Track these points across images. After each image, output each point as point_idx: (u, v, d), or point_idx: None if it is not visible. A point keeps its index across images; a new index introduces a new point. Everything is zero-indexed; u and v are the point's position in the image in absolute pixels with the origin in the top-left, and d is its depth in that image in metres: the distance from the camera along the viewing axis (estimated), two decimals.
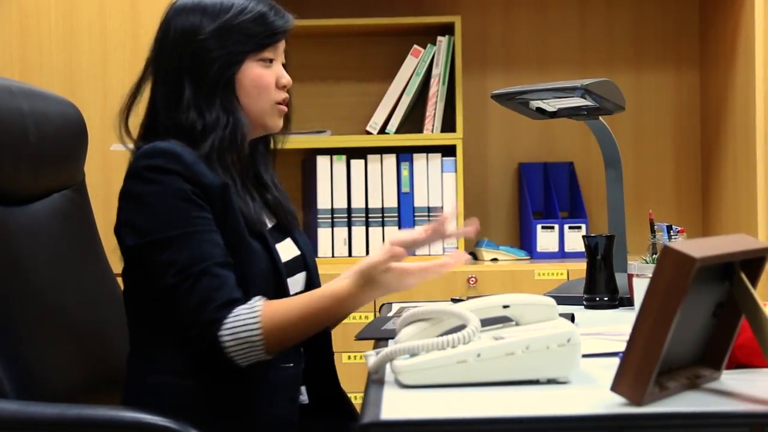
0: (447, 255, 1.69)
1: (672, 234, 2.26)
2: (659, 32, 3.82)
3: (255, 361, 1.69)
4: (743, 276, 1.31)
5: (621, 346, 1.34)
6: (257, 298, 1.71)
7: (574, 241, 3.56)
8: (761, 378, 1.35)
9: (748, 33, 3.36)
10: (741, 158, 3.44)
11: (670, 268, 1.21)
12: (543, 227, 3.61)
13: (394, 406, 1.29)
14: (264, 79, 1.84)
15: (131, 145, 1.84)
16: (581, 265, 2.40)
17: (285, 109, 1.88)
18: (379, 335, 1.83)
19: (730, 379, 1.39)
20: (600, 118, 2.44)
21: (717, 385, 1.35)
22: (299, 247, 1.93)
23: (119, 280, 1.91)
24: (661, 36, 3.82)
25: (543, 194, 3.75)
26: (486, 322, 1.45)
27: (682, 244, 1.22)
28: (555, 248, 3.58)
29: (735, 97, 3.48)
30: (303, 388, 1.90)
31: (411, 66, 3.54)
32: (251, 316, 1.67)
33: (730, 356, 1.41)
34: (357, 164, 3.52)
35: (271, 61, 1.85)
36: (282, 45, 1.88)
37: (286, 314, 1.69)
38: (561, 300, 2.28)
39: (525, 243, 3.69)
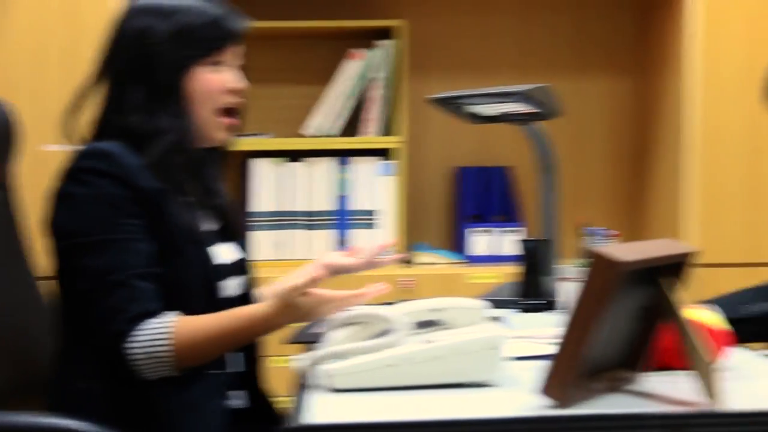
0: (369, 286, 1.68)
1: (604, 239, 2.29)
2: (596, 39, 3.86)
3: (164, 375, 1.68)
4: (667, 280, 1.33)
5: (550, 349, 1.36)
6: (173, 313, 1.69)
7: (509, 245, 3.59)
8: (682, 380, 1.37)
9: (681, 41, 3.41)
10: (673, 164, 3.49)
11: (598, 272, 1.23)
12: (479, 231, 3.63)
13: (324, 409, 1.30)
14: (210, 83, 1.81)
15: (74, 146, 1.81)
16: (516, 269, 2.42)
17: (230, 122, 1.86)
18: (307, 339, 1.83)
19: (653, 381, 1.41)
20: (537, 123, 2.47)
21: (640, 387, 1.38)
22: (242, 252, 1.92)
23: (50, 282, 1.89)
24: (598, 43, 3.86)
25: (480, 198, 3.78)
26: (416, 326, 1.46)
27: (610, 248, 1.24)
28: (490, 252, 3.61)
29: (667, 103, 3.53)
30: (242, 393, 1.89)
31: (352, 69, 3.55)
32: (162, 332, 1.66)
33: (656, 358, 1.44)
34: (295, 167, 3.52)
35: (221, 64, 1.82)
36: (237, 49, 1.86)
37: (199, 332, 1.68)
38: (494, 303, 2.31)
39: (461, 246, 3.71)
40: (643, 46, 3.79)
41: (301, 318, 1.66)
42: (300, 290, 1.61)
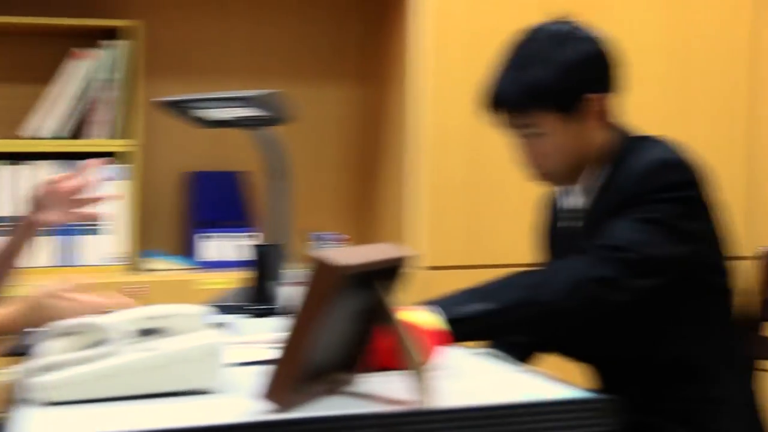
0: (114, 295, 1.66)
1: (332, 243, 2.32)
2: (325, 46, 3.92)
3: None
4: (382, 283, 1.36)
5: (273, 354, 1.36)
6: None
7: (241, 250, 3.58)
8: (399, 380, 1.41)
9: (404, 50, 3.51)
10: (400, 170, 3.59)
11: (318, 276, 1.24)
12: (212, 236, 3.60)
13: (40, 424, 1.25)
14: None
15: None
16: (248, 274, 2.42)
17: None
18: (20, 351, 1.76)
19: (373, 382, 1.44)
20: (267, 128, 2.47)
21: (360, 388, 1.40)
22: None
23: None
24: (326, 50, 3.91)
25: (213, 203, 3.75)
26: (134, 334, 1.43)
27: (329, 253, 1.25)
28: (223, 257, 3.59)
29: (393, 111, 3.63)
30: None
31: (80, 69, 3.43)
32: None
33: (373, 360, 1.47)
34: (17, 170, 3.37)
35: None
36: None
37: None
38: (223, 309, 2.29)
39: (194, 252, 3.67)
40: (371, 54, 3.87)
41: (47, 319, 1.62)
42: (50, 291, 1.61)
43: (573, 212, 2.10)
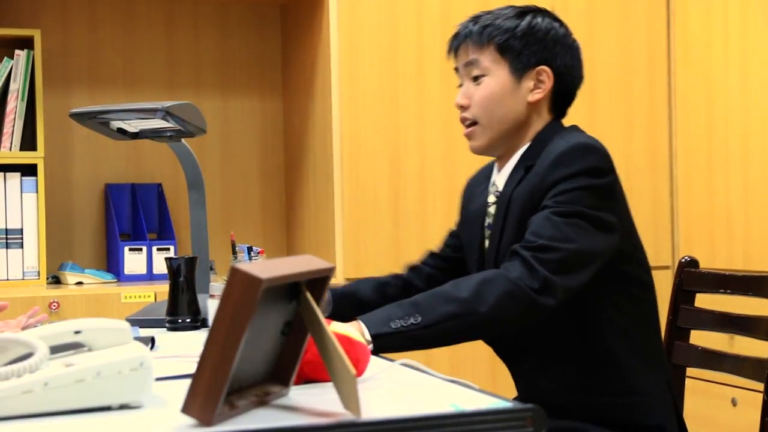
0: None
1: (252, 255, 2.31)
2: (245, 59, 3.91)
3: None
4: (309, 295, 1.36)
5: (194, 368, 1.35)
6: None
7: (162, 263, 3.54)
8: (327, 392, 1.41)
9: (324, 63, 3.52)
10: (320, 182, 3.59)
11: (237, 288, 1.23)
12: (130, 249, 3.56)
13: None
14: None
15: None
16: (167, 287, 2.39)
17: None
18: None
19: (299, 394, 1.44)
20: (184, 140, 2.45)
21: (286, 401, 1.40)
22: None
23: None
24: (246, 62, 3.91)
25: (131, 216, 3.71)
26: (57, 349, 1.40)
27: (249, 265, 1.24)
28: (143, 270, 3.55)
29: (314, 123, 3.64)
30: None
31: None
32: None
33: (299, 372, 1.47)
34: None
35: None
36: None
37: None
38: (143, 322, 2.27)
39: (112, 265, 3.63)
40: (288, 68, 3.88)
41: None
42: None
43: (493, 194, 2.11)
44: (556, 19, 2.10)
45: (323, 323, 1.34)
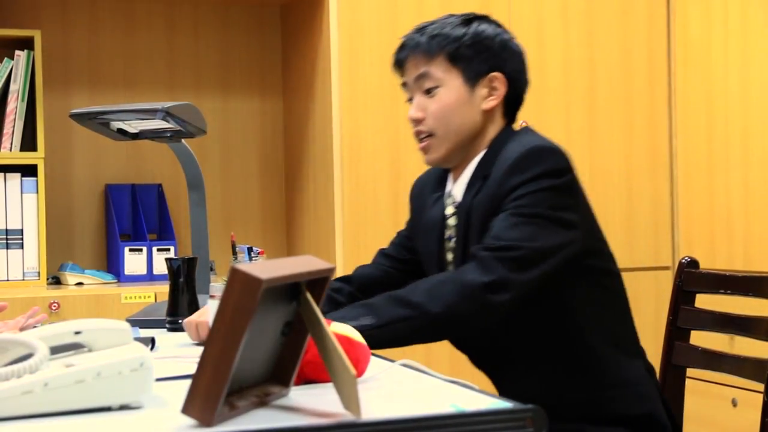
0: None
1: (253, 256, 2.31)
2: (245, 60, 3.91)
3: None
4: (309, 296, 1.36)
5: (194, 369, 1.35)
6: None
7: (163, 263, 3.54)
8: (327, 392, 1.41)
9: (324, 64, 3.53)
10: (320, 182, 3.59)
11: (238, 289, 1.23)
12: (131, 250, 3.56)
13: None
14: None
15: None
16: (167, 288, 2.39)
17: None
18: None
19: (299, 395, 1.44)
20: (184, 140, 2.46)
21: (286, 402, 1.40)
22: None
23: None
24: (246, 63, 3.91)
25: (131, 216, 3.71)
26: (57, 350, 1.40)
27: (249, 265, 1.25)
28: (143, 271, 3.55)
29: (315, 123, 3.64)
30: None
31: None
32: None
33: (299, 373, 1.47)
34: None
35: None
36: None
37: None
38: (143, 323, 2.27)
39: (112, 266, 3.63)
40: (288, 68, 3.88)
41: None
42: None
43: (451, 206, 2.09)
44: (499, 25, 2.08)
45: (323, 324, 1.34)
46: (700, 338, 2.25)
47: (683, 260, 2.26)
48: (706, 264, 2.38)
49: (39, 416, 1.32)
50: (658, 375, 2.20)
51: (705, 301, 2.23)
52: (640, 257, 3.78)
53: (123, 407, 1.36)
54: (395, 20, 3.56)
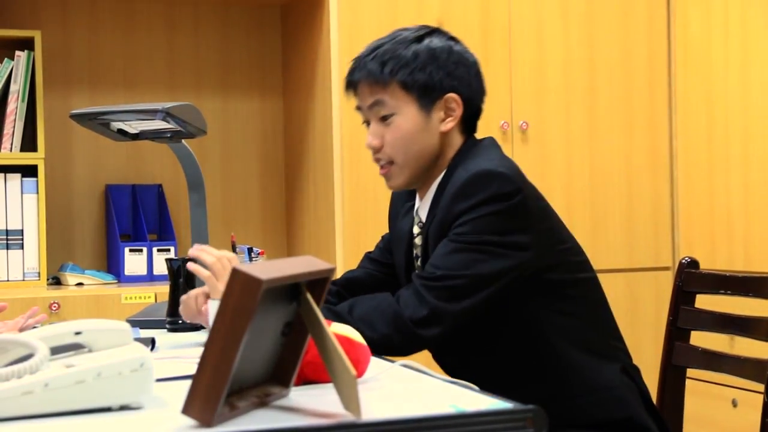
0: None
1: (253, 256, 2.31)
2: (245, 60, 3.91)
3: None
4: (309, 296, 1.36)
5: (195, 369, 1.35)
6: None
7: (163, 263, 3.54)
8: (327, 393, 1.41)
9: (324, 64, 3.52)
10: (320, 182, 3.59)
11: (238, 289, 1.23)
12: (131, 250, 3.57)
13: None
14: None
15: None
16: (168, 288, 2.39)
17: None
18: None
19: (299, 395, 1.44)
20: (184, 141, 2.46)
21: (286, 402, 1.40)
22: None
23: None
24: (246, 63, 3.91)
25: (131, 217, 3.71)
26: (57, 350, 1.40)
27: (249, 266, 1.25)
28: (143, 271, 3.55)
29: (315, 123, 3.64)
30: None
31: None
32: None
33: (299, 373, 1.47)
34: None
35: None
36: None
37: None
38: (143, 324, 2.27)
39: (112, 266, 3.63)
40: (288, 68, 3.88)
41: None
42: None
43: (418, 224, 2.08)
44: (451, 37, 2.05)
45: (323, 324, 1.34)
46: (700, 338, 2.25)
47: (683, 261, 2.26)
48: (706, 264, 2.38)
49: (39, 416, 1.32)
50: (658, 375, 2.20)
51: (705, 302, 2.23)
52: (640, 258, 3.78)
53: (123, 408, 1.36)
54: (395, 21, 3.56)
